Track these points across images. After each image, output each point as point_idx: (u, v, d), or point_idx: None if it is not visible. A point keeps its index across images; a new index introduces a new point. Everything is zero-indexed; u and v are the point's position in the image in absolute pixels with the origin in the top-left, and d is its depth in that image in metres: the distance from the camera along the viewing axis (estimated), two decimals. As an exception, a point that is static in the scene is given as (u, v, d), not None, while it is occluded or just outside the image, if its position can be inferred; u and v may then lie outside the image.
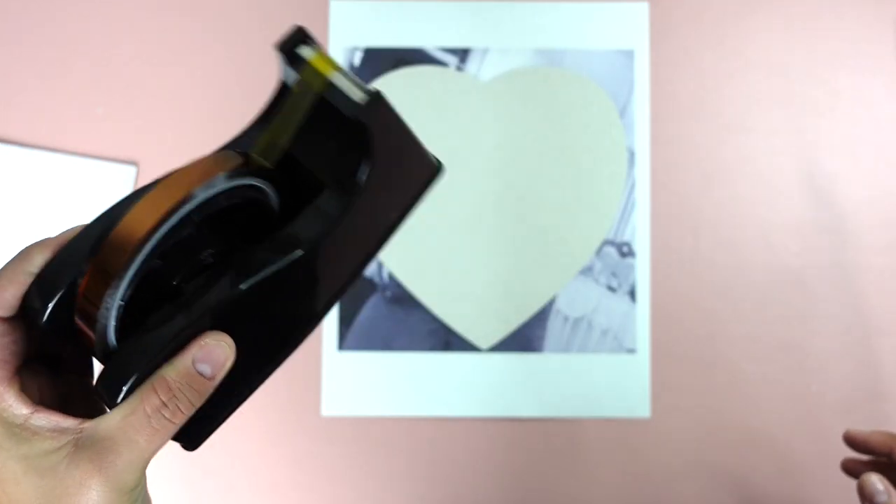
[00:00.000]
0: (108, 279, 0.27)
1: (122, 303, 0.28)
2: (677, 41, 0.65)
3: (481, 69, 0.64)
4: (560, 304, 0.63)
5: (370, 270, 0.63)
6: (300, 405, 0.62)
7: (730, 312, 0.63)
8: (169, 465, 0.62)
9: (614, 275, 0.63)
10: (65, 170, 0.63)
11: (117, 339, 0.28)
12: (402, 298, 0.63)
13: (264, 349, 0.34)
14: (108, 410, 0.28)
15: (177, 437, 0.30)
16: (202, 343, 0.29)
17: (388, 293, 0.63)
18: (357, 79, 0.31)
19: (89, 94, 0.64)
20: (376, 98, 0.30)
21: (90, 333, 0.28)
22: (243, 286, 0.29)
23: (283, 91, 0.33)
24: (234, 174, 0.31)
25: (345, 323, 0.63)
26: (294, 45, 0.34)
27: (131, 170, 0.63)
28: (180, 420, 0.28)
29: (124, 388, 0.27)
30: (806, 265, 0.63)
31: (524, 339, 0.63)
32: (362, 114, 0.30)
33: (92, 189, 0.63)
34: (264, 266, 0.29)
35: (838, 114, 0.64)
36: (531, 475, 0.62)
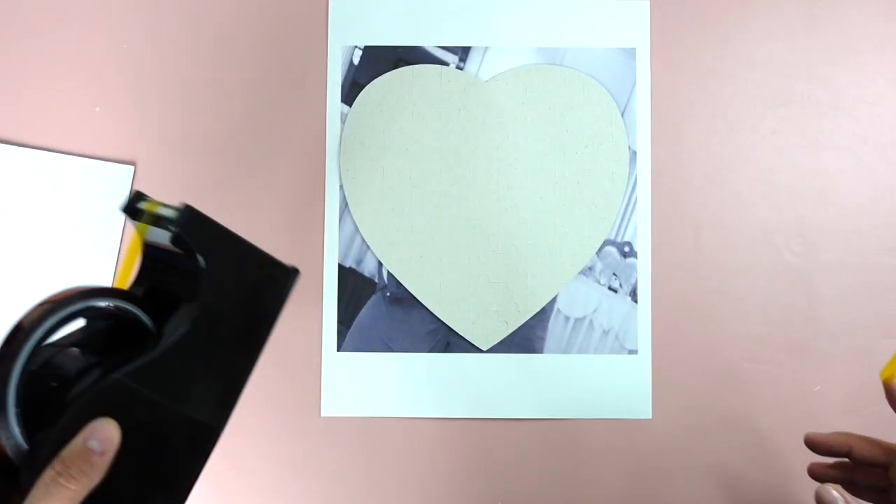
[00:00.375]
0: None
1: (17, 409, 0.34)
2: (678, 39, 0.64)
3: (481, 68, 0.64)
4: (561, 305, 0.63)
5: (370, 270, 0.63)
6: (300, 406, 0.62)
7: (731, 313, 0.62)
8: (168, 467, 0.62)
9: (615, 275, 0.63)
10: (62, 169, 0.63)
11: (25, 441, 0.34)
12: (402, 298, 0.63)
13: (170, 447, 0.40)
14: None
15: None
16: (92, 425, 0.35)
17: (388, 293, 0.63)
18: (173, 205, 0.38)
19: (87, 93, 0.64)
20: (185, 210, 0.37)
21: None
22: (116, 375, 0.35)
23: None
24: (88, 295, 0.36)
25: (344, 323, 0.62)
26: (134, 202, 0.39)
27: (129, 170, 0.63)
28: (76, 487, 0.34)
29: (34, 475, 0.33)
30: (808, 265, 0.63)
31: (525, 339, 0.62)
32: (177, 224, 0.37)
33: (90, 189, 0.63)
34: (132, 361, 0.36)
35: (840, 113, 0.64)
36: (532, 476, 0.62)
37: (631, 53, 0.64)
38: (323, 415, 0.62)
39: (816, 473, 0.51)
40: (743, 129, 0.64)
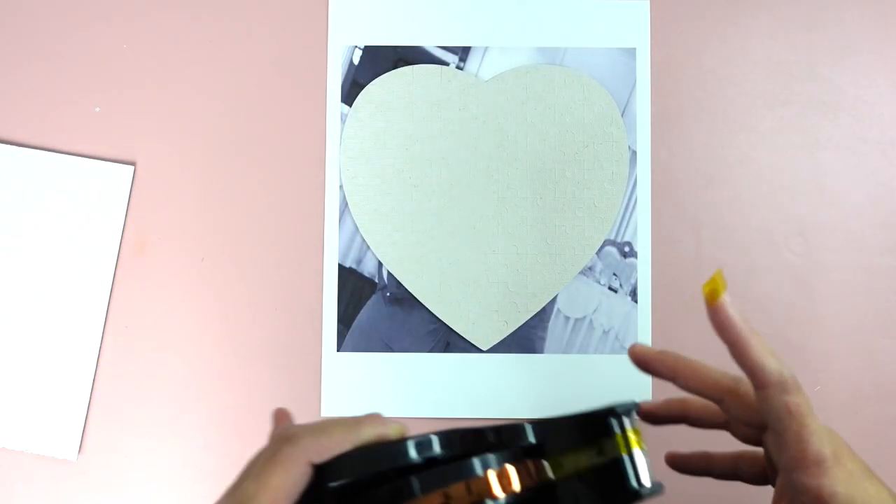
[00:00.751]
0: None
1: None
2: (679, 39, 0.64)
3: (481, 68, 0.64)
4: (561, 305, 0.63)
5: (370, 270, 0.63)
6: (300, 406, 0.62)
7: (731, 312, 0.62)
8: (168, 466, 0.62)
9: (615, 275, 0.63)
10: (62, 169, 0.63)
11: None
12: (402, 298, 0.63)
13: None
14: None
15: None
16: None
17: (388, 293, 0.63)
18: (649, 466, 0.38)
19: (87, 93, 0.64)
20: (658, 488, 0.37)
21: None
22: None
23: (598, 426, 0.39)
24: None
25: (344, 323, 0.62)
26: (626, 412, 0.39)
27: (129, 170, 0.63)
28: None
29: None
30: (808, 265, 0.63)
31: (525, 339, 0.62)
32: (646, 494, 0.37)
33: (89, 189, 0.63)
34: None
35: (841, 113, 0.64)
36: (532, 476, 0.62)
37: (631, 53, 0.64)
38: (323, 415, 0.62)
39: (657, 414, 0.46)
40: (743, 129, 0.64)
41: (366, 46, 0.64)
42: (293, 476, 0.32)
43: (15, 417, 0.61)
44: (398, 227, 0.63)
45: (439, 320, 0.62)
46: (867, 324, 0.63)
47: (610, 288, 0.63)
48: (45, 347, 0.61)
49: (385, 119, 0.64)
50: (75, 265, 0.62)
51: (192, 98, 0.64)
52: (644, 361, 0.42)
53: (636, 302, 0.62)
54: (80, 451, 0.61)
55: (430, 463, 0.34)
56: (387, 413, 0.62)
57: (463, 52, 0.64)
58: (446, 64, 0.64)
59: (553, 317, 0.63)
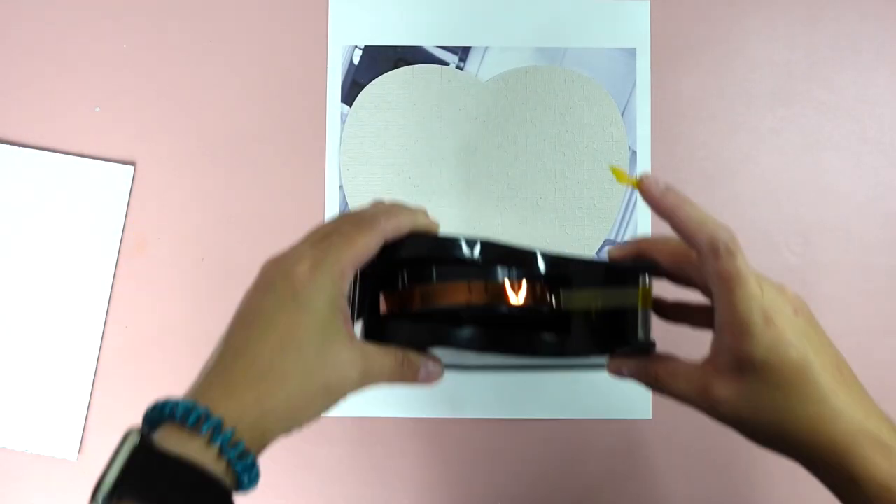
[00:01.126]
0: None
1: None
2: (678, 39, 0.64)
3: (481, 68, 0.64)
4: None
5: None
6: (299, 406, 0.62)
7: (731, 312, 0.62)
8: (167, 467, 0.62)
9: (615, 275, 0.63)
10: (62, 169, 0.63)
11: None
12: (402, 298, 0.63)
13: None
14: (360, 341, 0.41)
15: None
16: (435, 360, 0.43)
17: (388, 293, 0.63)
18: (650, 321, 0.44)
19: (87, 93, 0.64)
20: (647, 346, 0.44)
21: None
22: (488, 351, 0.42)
23: (615, 272, 0.44)
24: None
25: (344, 323, 0.62)
26: (647, 270, 0.44)
27: (129, 170, 0.63)
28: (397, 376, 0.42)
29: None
30: (808, 265, 0.63)
31: (525, 339, 0.62)
32: (634, 345, 0.43)
33: (89, 189, 0.63)
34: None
35: (840, 113, 0.64)
36: (532, 476, 0.62)
37: (631, 53, 0.64)
38: (322, 415, 0.62)
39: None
40: (743, 129, 0.64)
41: (366, 46, 0.64)
42: (374, 242, 0.40)
43: (15, 417, 0.61)
44: (398, 227, 0.63)
45: (439, 320, 0.62)
46: (867, 324, 0.62)
47: (610, 288, 0.63)
48: (46, 347, 0.61)
49: (385, 119, 0.64)
50: (75, 265, 0.62)
51: (192, 98, 0.64)
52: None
53: (636, 302, 0.62)
54: (80, 451, 0.61)
55: (460, 261, 0.42)
56: (387, 413, 0.62)
57: (463, 52, 0.64)
58: (446, 64, 0.64)
59: (553, 317, 0.62)
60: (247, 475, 0.36)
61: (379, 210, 0.42)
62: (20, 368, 0.61)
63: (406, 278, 0.42)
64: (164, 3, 0.64)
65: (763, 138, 0.64)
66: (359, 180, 0.63)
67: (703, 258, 0.39)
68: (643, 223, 0.63)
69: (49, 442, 0.61)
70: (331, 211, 0.63)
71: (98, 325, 0.62)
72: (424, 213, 0.43)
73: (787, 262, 0.63)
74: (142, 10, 0.64)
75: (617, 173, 0.42)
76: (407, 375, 0.42)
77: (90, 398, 0.61)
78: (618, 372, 0.44)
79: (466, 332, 0.42)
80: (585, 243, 0.63)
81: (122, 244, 0.63)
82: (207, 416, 0.35)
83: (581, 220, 0.63)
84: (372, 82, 0.64)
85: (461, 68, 0.64)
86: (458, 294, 0.41)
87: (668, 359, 0.43)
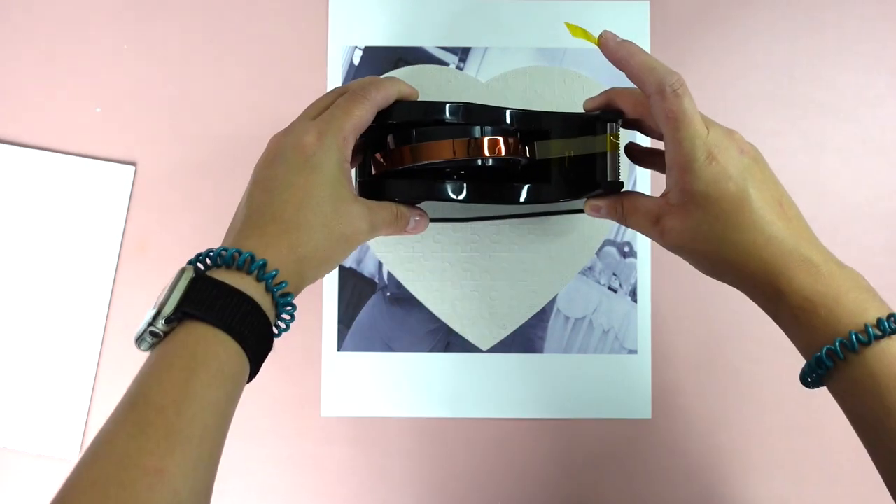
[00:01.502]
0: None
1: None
2: (678, 39, 0.64)
3: (481, 68, 0.64)
4: (561, 305, 0.63)
5: (370, 270, 0.63)
6: (300, 406, 0.62)
7: (731, 313, 0.62)
8: (168, 467, 0.62)
9: (615, 275, 0.63)
10: (62, 169, 0.63)
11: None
12: (402, 298, 0.63)
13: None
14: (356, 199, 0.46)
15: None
16: (421, 213, 0.52)
17: (388, 293, 0.63)
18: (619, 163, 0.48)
19: (88, 94, 0.64)
20: (617, 185, 0.48)
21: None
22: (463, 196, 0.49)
23: (587, 123, 0.50)
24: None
25: (344, 323, 0.62)
26: (613, 119, 0.48)
27: (129, 170, 0.63)
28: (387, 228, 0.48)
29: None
30: (808, 265, 0.63)
31: (524, 339, 0.62)
32: (605, 185, 0.48)
33: (89, 189, 0.63)
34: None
35: (840, 114, 0.64)
36: (532, 476, 0.62)
37: (631, 53, 0.64)
38: (323, 415, 0.62)
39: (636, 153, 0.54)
40: (743, 130, 0.64)
41: (366, 46, 0.64)
42: (368, 111, 0.46)
43: (16, 417, 0.61)
44: (398, 227, 0.63)
45: (439, 320, 0.63)
46: (867, 324, 0.62)
47: (610, 288, 0.63)
48: (46, 347, 0.61)
49: (385, 119, 0.64)
50: (76, 265, 0.62)
51: (192, 98, 0.64)
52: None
53: (636, 302, 0.63)
54: (80, 451, 0.61)
55: (444, 122, 0.48)
56: (387, 413, 0.62)
57: (463, 53, 0.64)
58: (446, 64, 0.64)
59: (553, 317, 0.63)
60: (287, 313, 0.41)
61: (367, 83, 0.47)
62: (21, 368, 0.61)
63: (395, 141, 0.48)
64: (164, 4, 0.64)
65: (763, 139, 0.64)
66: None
67: (653, 101, 0.43)
68: (643, 223, 0.63)
69: (50, 442, 0.61)
70: (331, 211, 0.63)
71: (99, 325, 0.62)
72: (405, 83, 0.49)
73: (786, 263, 0.63)
74: (142, 11, 0.64)
75: (573, 29, 0.47)
76: (400, 226, 0.50)
77: (91, 398, 0.61)
78: (595, 210, 0.49)
79: (453, 185, 0.48)
80: (585, 243, 0.63)
81: (123, 244, 0.63)
82: (253, 258, 0.39)
83: (582, 220, 0.63)
84: (372, 82, 0.64)
85: (461, 68, 0.64)
86: (444, 151, 0.47)
87: (633, 195, 0.47)
